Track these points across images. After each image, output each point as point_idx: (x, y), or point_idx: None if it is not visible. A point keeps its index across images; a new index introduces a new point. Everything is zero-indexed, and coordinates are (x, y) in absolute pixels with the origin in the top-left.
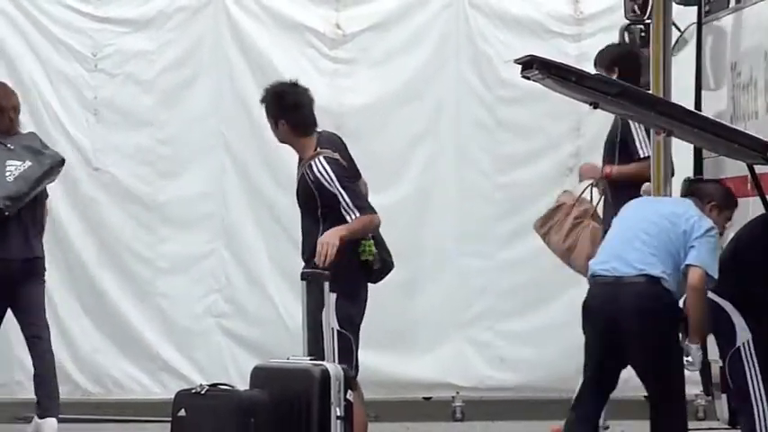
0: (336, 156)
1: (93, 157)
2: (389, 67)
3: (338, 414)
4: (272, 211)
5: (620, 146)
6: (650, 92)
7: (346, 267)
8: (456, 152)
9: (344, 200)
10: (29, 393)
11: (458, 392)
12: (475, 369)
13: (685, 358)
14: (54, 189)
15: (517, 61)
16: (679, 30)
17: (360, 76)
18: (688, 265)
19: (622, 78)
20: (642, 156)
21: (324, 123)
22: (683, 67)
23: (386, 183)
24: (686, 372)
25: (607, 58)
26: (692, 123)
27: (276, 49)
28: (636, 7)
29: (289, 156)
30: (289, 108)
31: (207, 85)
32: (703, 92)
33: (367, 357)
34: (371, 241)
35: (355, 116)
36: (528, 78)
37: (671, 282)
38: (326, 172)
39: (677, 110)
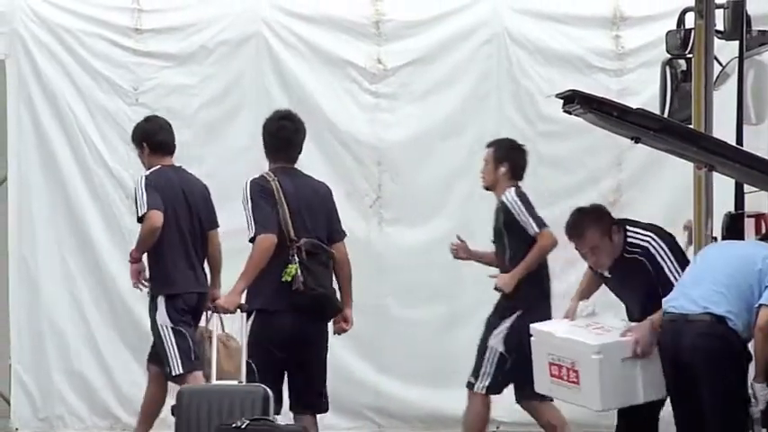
0: None
1: (133, 191)
2: (430, 102)
3: None
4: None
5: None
6: (692, 126)
7: (266, 288)
8: None
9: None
10: (69, 428)
11: (498, 427)
12: (516, 404)
13: (752, 398)
14: (95, 223)
15: (559, 96)
16: (721, 64)
17: (400, 110)
18: (760, 305)
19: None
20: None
21: (364, 157)
22: (724, 101)
23: (426, 218)
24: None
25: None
26: (733, 158)
27: (317, 84)
28: (678, 42)
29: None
30: None
31: (247, 120)
32: (745, 126)
33: (407, 392)
34: (295, 265)
35: (396, 151)
36: (569, 113)
37: (737, 321)
38: None
39: (719, 144)
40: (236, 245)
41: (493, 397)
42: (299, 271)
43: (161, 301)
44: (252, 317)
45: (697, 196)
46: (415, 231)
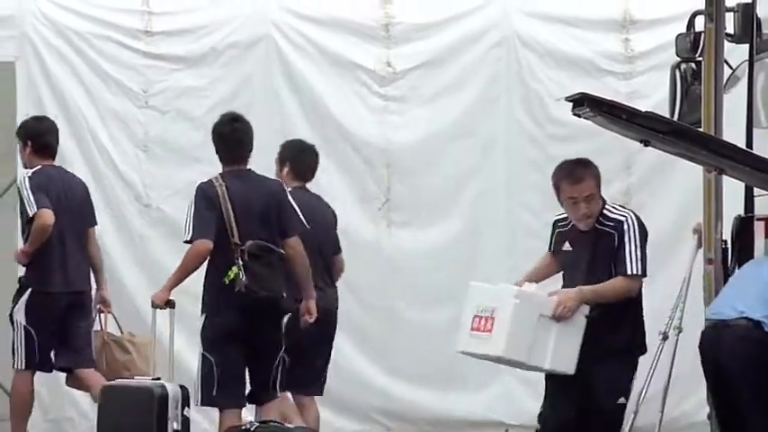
0: None
1: (143, 194)
2: (439, 105)
3: (175, 428)
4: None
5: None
6: (701, 129)
7: (212, 290)
8: (506, 190)
9: None
10: (78, 429)
11: (507, 430)
12: (524, 406)
13: None
14: (104, 225)
15: (568, 99)
16: (731, 67)
17: (410, 113)
18: None
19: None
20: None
21: (373, 160)
22: (734, 104)
23: (435, 220)
24: None
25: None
26: (743, 161)
27: (326, 86)
28: (688, 45)
29: (338, 192)
30: None
31: (257, 122)
32: (754, 129)
33: (416, 394)
34: (236, 267)
35: (405, 153)
36: (578, 116)
37: None
38: None
39: (728, 148)
40: None
41: (502, 400)
42: (241, 274)
43: (26, 295)
44: (202, 318)
45: (707, 199)
46: (425, 234)
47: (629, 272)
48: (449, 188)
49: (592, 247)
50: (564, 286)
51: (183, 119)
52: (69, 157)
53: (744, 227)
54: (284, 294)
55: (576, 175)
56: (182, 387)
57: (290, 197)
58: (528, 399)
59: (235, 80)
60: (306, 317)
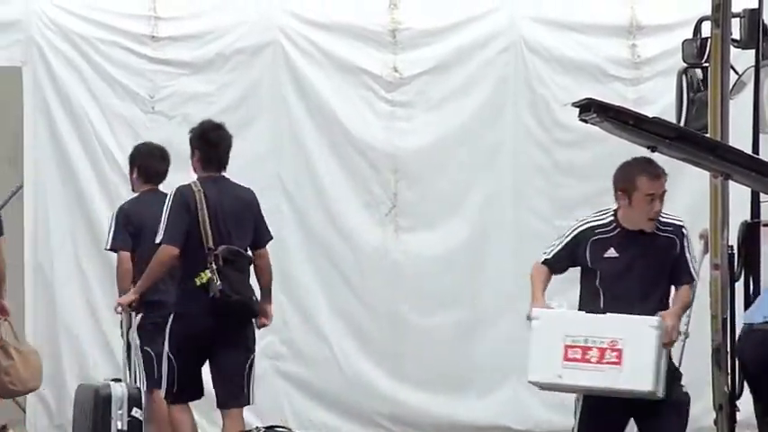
0: None
1: None
2: (446, 110)
3: (119, 428)
4: (328, 252)
5: None
6: (708, 135)
7: (185, 293)
8: (513, 195)
9: None
10: None
11: None
12: (531, 412)
13: None
14: None
15: (575, 104)
16: (737, 73)
17: (417, 118)
18: None
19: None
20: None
21: (380, 165)
22: (740, 110)
23: (442, 225)
24: None
25: None
26: (749, 167)
27: (333, 92)
28: (694, 51)
29: (345, 197)
30: None
31: (264, 128)
32: (761, 135)
33: (423, 399)
34: (212, 272)
35: (412, 158)
36: (585, 121)
37: None
38: None
39: (735, 153)
40: None
41: (509, 406)
42: (215, 278)
43: None
44: (171, 318)
45: (713, 205)
46: (432, 239)
47: (692, 279)
48: (456, 193)
49: (651, 251)
50: (605, 298)
51: (190, 124)
52: (76, 162)
53: (750, 232)
54: (254, 298)
55: (656, 171)
56: (134, 388)
57: (260, 206)
58: (535, 404)
59: (242, 85)
60: (263, 320)
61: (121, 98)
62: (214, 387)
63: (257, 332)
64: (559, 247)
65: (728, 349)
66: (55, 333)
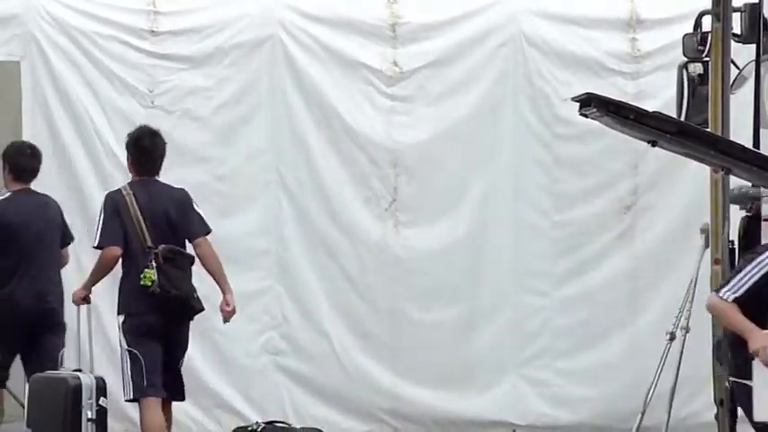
0: None
1: None
2: (446, 105)
3: (89, 417)
4: (328, 247)
5: None
6: (709, 129)
7: (129, 292)
8: (513, 190)
9: None
10: None
11: (514, 430)
12: (532, 407)
13: None
14: None
15: (575, 99)
16: (737, 67)
17: (416, 113)
18: None
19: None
20: None
21: (379, 160)
22: (741, 104)
23: (442, 220)
24: None
25: None
26: (750, 161)
27: (333, 86)
28: (695, 45)
29: (344, 192)
30: None
31: (263, 122)
32: (761, 129)
33: (423, 394)
34: (153, 270)
35: (411, 153)
36: (586, 116)
37: None
38: None
39: (736, 148)
40: (257, 246)
41: (509, 401)
42: (154, 275)
43: None
44: (120, 317)
45: (714, 199)
46: (432, 234)
47: None
48: (455, 188)
49: None
50: None
51: (190, 119)
52: (74, 156)
53: (751, 227)
54: (195, 295)
55: None
56: (99, 379)
57: (194, 203)
58: (535, 399)
59: (241, 80)
60: (224, 308)
61: (120, 93)
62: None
63: (255, 327)
64: (750, 283)
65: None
66: None
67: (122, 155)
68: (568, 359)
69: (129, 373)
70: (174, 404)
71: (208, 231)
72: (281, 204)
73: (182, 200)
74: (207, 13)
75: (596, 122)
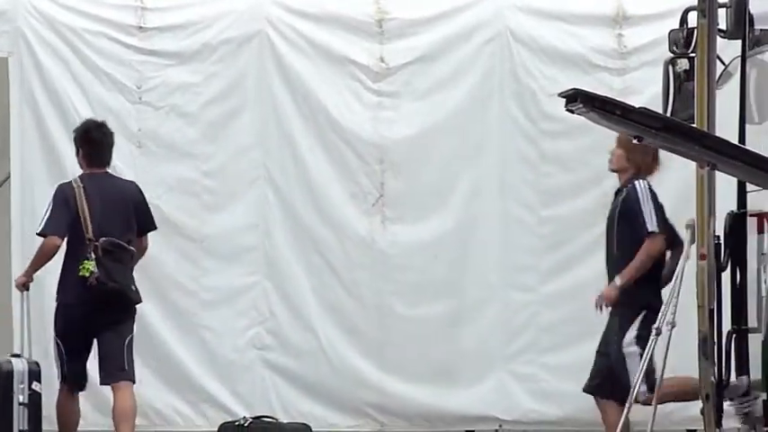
0: None
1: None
2: (433, 100)
3: (20, 401)
4: (315, 242)
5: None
6: (694, 125)
7: (67, 283)
8: (499, 185)
9: None
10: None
11: (501, 426)
12: (518, 402)
13: None
14: None
15: (561, 95)
16: (723, 63)
17: (403, 108)
18: None
19: None
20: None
21: (366, 156)
22: (727, 100)
23: (429, 216)
24: None
25: None
26: (736, 157)
27: (320, 82)
28: (681, 41)
29: (332, 187)
30: None
31: (251, 118)
32: (747, 125)
33: (410, 390)
34: (91, 262)
35: (398, 149)
36: (572, 112)
37: None
38: None
39: (721, 143)
40: (244, 242)
41: (495, 396)
42: (93, 267)
43: None
44: (56, 308)
45: (699, 195)
46: (418, 229)
47: None
48: (442, 183)
49: None
50: None
51: (177, 115)
52: (62, 152)
53: (737, 222)
54: (134, 287)
55: None
56: (32, 363)
57: (144, 198)
58: (522, 394)
59: (228, 76)
60: None
61: (108, 89)
62: (99, 367)
63: (242, 322)
64: None
65: (715, 339)
66: (42, 324)
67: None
68: (555, 354)
69: (55, 358)
70: (162, 399)
71: (153, 229)
72: (268, 200)
73: (132, 195)
74: (194, 10)
75: (582, 118)
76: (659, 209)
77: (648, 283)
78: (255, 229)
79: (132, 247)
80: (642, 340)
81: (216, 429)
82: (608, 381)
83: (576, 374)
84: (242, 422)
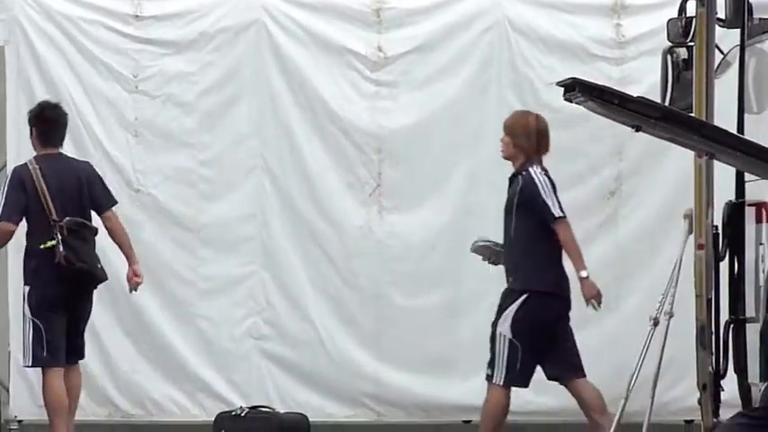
0: None
1: (133, 179)
2: (431, 90)
3: None
4: (312, 232)
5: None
6: (693, 115)
7: (35, 264)
8: (497, 175)
9: None
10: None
11: None
12: (515, 393)
13: None
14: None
15: (559, 84)
16: (722, 52)
17: (401, 98)
18: None
19: None
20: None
21: (364, 145)
22: (725, 89)
23: (426, 205)
24: None
25: None
26: (734, 146)
27: (317, 71)
28: (679, 30)
29: (329, 177)
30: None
31: (248, 107)
32: (746, 115)
33: (406, 380)
34: (54, 241)
35: (396, 138)
36: (570, 101)
37: None
38: None
39: (720, 133)
40: (241, 231)
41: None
42: (60, 247)
43: None
44: (26, 288)
45: (697, 185)
46: (416, 219)
47: None
48: (440, 173)
49: None
50: None
51: (174, 104)
52: None
53: (735, 212)
54: (99, 265)
55: None
56: None
57: (100, 176)
58: None
59: (225, 65)
60: (133, 278)
61: (105, 78)
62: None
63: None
64: None
65: (713, 329)
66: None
67: (106, 139)
68: None
69: (31, 341)
70: (158, 389)
71: (114, 203)
72: (265, 189)
73: (88, 173)
74: None
75: (580, 108)
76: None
77: (535, 268)
78: (252, 218)
79: (95, 226)
80: (516, 324)
81: (212, 419)
82: (565, 363)
83: None
84: (239, 412)
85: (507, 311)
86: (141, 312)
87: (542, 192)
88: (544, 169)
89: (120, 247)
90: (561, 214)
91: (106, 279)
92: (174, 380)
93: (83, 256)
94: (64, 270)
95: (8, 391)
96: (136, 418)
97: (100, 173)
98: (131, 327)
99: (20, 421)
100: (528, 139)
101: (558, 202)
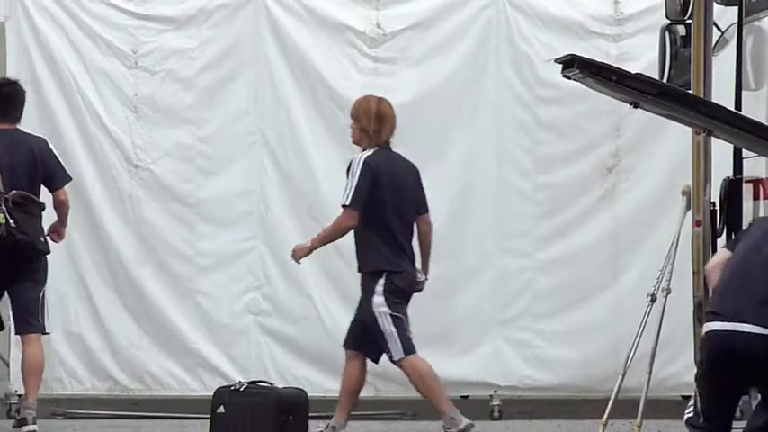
0: None
1: (132, 155)
2: (429, 67)
3: None
4: (311, 208)
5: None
6: (691, 92)
7: None
8: (495, 152)
9: None
10: (68, 389)
11: (496, 391)
12: (513, 368)
13: None
14: (94, 186)
15: (558, 60)
16: (720, 30)
17: (399, 75)
18: None
19: None
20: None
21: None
22: (723, 67)
23: (425, 182)
24: None
25: None
26: (732, 123)
27: (315, 48)
28: (677, 7)
29: (327, 153)
30: None
31: (246, 83)
32: (743, 92)
33: None
34: (2, 214)
35: None
36: (568, 78)
37: None
38: None
39: (718, 110)
40: (240, 207)
41: (491, 362)
42: (5, 219)
43: None
44: None
45: (695, 161)
46: None
47: None
48: (438, 150)
49: None
50: None
51: (173, 80)
52: (59, 117)
53: (732, 189)
54: (43, 239)
55: None
56: None
57: (54, 152)
58: (517, 361)
59: (224, 41)
60: (54, 236)
61: (105, 54)
62: (13, 318)
63: (237, 287)
64: None
65: None
66: None
67: (106, 115)
68: (550, 321)
69: None
70: (157, 363)
71: (68, 181)
72: (263, 165)
73: (42, 149)
74: None
75: (579, 84)
76: (371, 184)
77: (380, 249)
78: (251, 194)
79: (41, 201)
80: (390, 298)
81: (211, 394)
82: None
83: (571, 341)
84: (237, 387)
85: (376, 293)
86: (140, 287)
87: (351, 177)
88: (381, 156)
89: (59, 217)
90: (347, 203)
91: (48, 252)
92: (174, 354)
93: (25, 228)
94: (6, 242)
95: (8, 365)
96: (135, 393)
97: (98, 147)
98: (131, 302)
99: (20, 395)
100: (369, 122)
101: (357, 192)
